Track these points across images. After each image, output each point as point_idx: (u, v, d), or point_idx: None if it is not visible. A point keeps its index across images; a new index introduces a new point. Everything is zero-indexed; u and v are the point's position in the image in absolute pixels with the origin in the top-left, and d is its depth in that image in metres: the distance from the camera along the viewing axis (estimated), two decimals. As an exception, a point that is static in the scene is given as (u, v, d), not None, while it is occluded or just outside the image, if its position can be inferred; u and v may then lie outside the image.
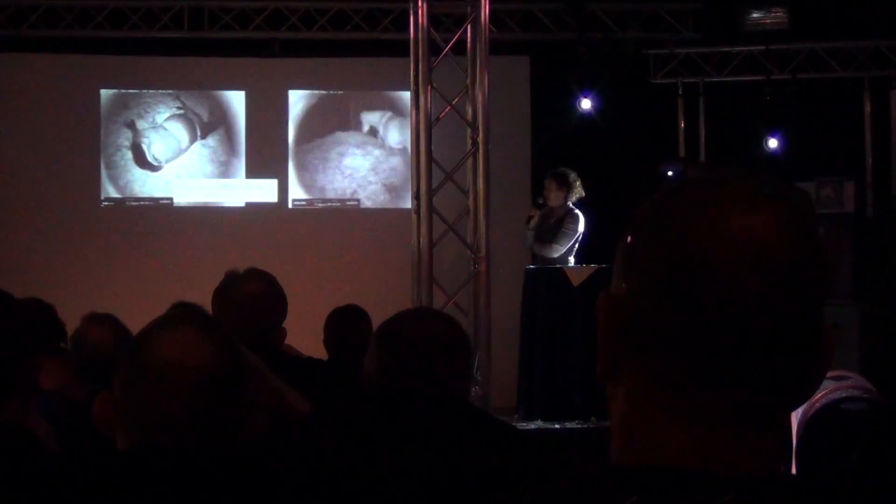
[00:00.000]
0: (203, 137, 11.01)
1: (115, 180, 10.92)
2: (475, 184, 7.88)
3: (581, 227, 8.99)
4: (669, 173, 9.37)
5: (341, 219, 10.97)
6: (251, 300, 3.63)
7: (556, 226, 9.04)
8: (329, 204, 11.07)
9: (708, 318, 1.02)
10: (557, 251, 9.04)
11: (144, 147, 10.96)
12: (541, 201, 9.26)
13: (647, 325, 1.05)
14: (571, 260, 9.07)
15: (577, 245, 9.07)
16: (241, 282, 3.68)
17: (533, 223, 9.17)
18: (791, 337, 1.02)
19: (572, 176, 9.13)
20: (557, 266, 8.97)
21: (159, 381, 1.86)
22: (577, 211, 9.02)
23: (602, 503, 1.00)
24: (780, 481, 1.04)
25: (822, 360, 1.05)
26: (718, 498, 0.98)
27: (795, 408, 1.06)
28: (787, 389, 1.04)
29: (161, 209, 10.94)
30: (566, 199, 9.04)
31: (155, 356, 1.88)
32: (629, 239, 1.08)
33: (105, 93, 10.92)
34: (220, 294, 3.69)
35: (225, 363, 1.90)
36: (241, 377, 1.94)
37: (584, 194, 9.09)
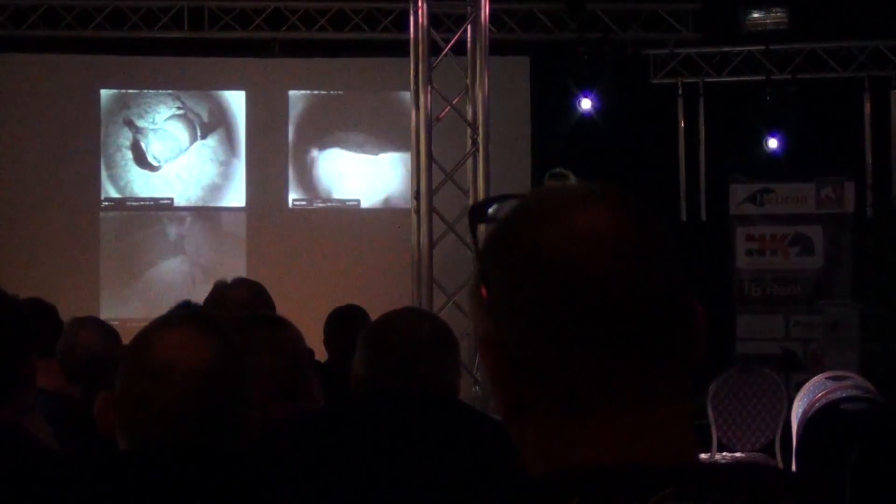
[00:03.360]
0: (203, 137, 11.01)
1: (115, 180, 10.92)
2: (475, 184, 7.88)
3: None
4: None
5: (341, 219, 10.96)
6: (239, 308, 3.64)
7: None
8: (329, 204, 11.06)
9: (586, 312, 1.06)
10: None
11: (144, 147, 10.95)
12: None
13: (536, 346, 1.07)
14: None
15: None
16: (228, 290, 3.73)
17: None
18: (661, 312, 1.07)
19: (568, 177, 9.12)
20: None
21: (159, 381, 1.86)
22: None
23: None
24: (716, 469, 1.09)
25: (694, 333, 1.10)
26: (659, 491, 1.01)
27: (685, 383, 1.09)
28: (668, 364, 1.08)
29: (161, 209, 10.94)
30: None
31: (155, 356, 1.88)
32: (486, 278, 1.11)
33: (105, 93, 10.92)
34: (209, 304, 3.72)
35: (225, 363, 1.90)
36: (241, 377, 1.94)
37: None
